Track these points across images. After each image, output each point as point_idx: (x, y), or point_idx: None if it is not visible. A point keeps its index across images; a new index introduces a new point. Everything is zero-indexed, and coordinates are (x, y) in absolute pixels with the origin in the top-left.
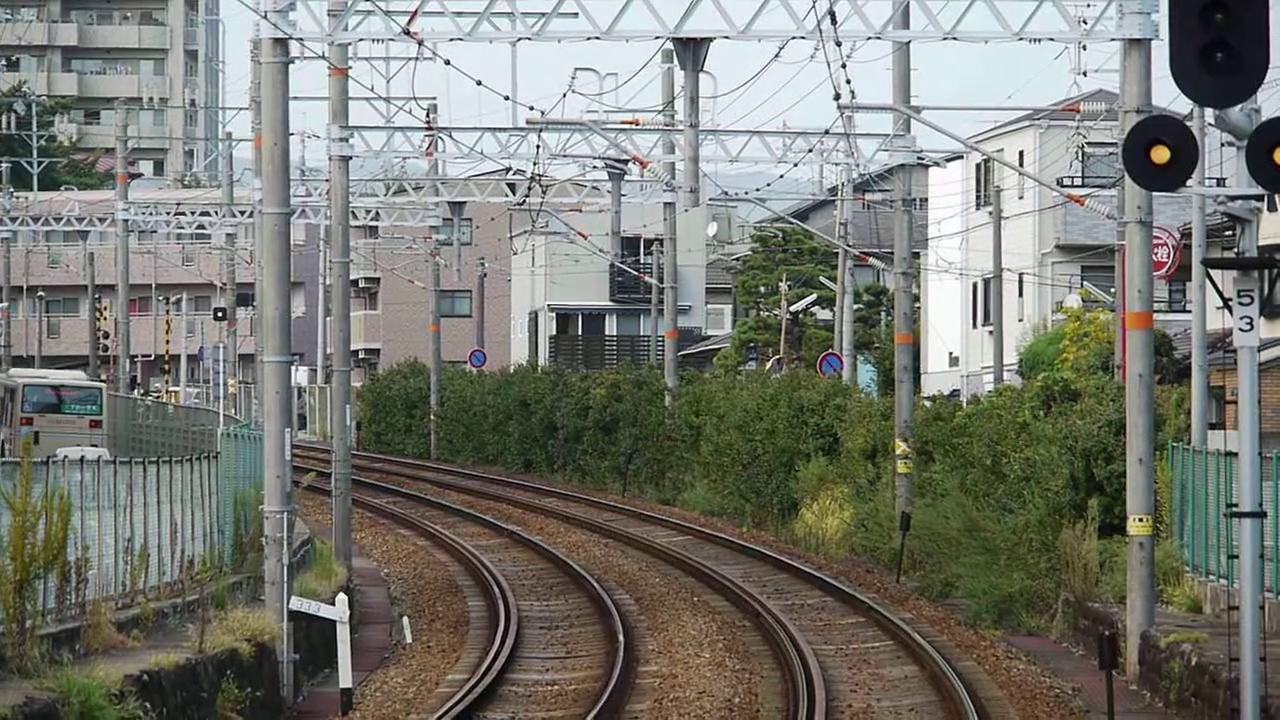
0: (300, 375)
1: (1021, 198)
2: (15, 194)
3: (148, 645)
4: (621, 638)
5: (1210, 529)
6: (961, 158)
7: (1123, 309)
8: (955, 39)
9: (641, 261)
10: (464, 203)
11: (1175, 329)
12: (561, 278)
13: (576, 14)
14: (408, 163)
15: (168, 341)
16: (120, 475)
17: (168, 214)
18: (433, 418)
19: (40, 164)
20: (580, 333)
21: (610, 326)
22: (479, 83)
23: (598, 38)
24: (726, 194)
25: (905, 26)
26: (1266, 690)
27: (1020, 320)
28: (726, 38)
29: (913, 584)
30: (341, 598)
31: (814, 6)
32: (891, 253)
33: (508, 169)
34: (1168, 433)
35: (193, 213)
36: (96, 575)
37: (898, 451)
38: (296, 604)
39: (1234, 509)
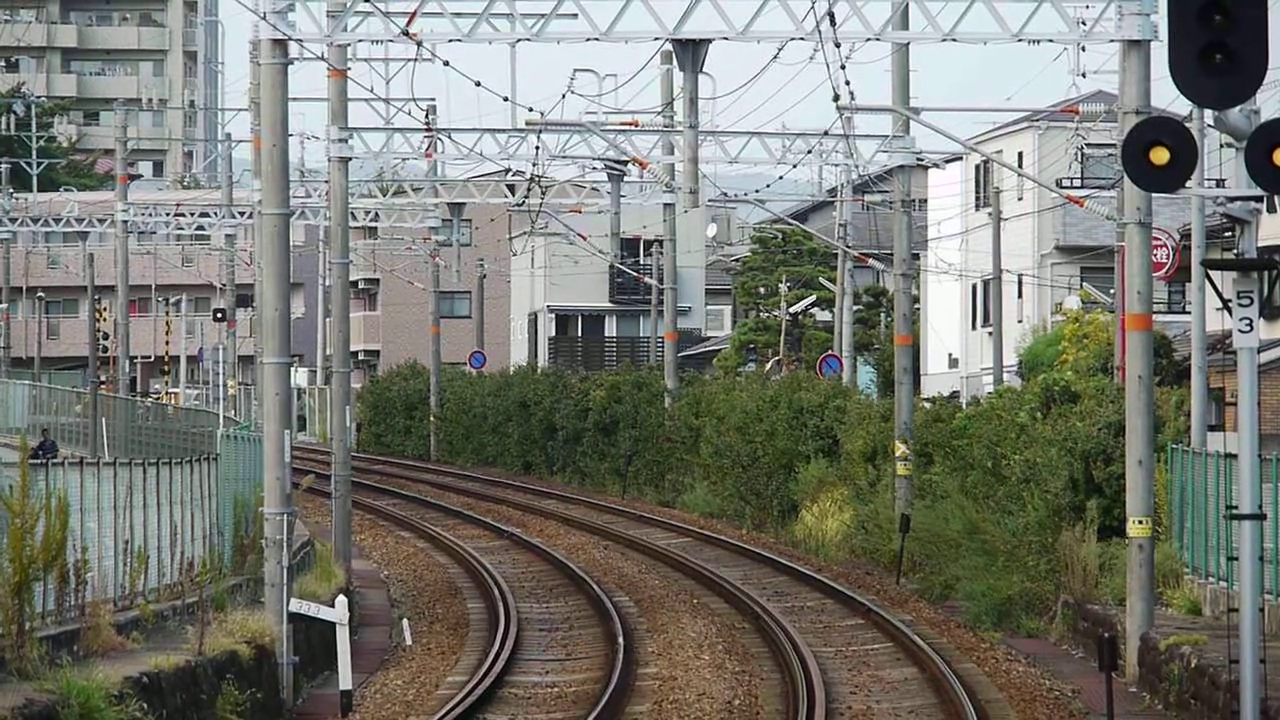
0: (300, 377)
1: (1021, 199)
2: (15, 195)
3: (147, 647)
4: (621, 640)
5: (1210, 531)
6: (961, 159)
7: (1122, 310)
8: (954, 40)
9: (641, 262)
10: (463, 204)
11: (1175, 330)
12: (561, 279)
13: (576, 15)
14: (407, 164)
15: (167, 343)
16: (120, 477)
17: (167, 215)
18: (432, 419)
19: (40, 165)
20: (580, 334)
21: (610, 328)
22: (478, 84)
23: (597, 39)
24: (726, 195)
25: (904, 27)
26: (1266, 692)
27: (1020, 321)
28: (725, 39)
29: (912, 586)
30: (341, 600)
31: (813, 7)
32: (891, 254)
33: (507, 170)
34: (1167, 435)
35: (192, 214)
36: (96, 577)
37: (897, 453)
38: (296, 606)
39: (1233, 511)
